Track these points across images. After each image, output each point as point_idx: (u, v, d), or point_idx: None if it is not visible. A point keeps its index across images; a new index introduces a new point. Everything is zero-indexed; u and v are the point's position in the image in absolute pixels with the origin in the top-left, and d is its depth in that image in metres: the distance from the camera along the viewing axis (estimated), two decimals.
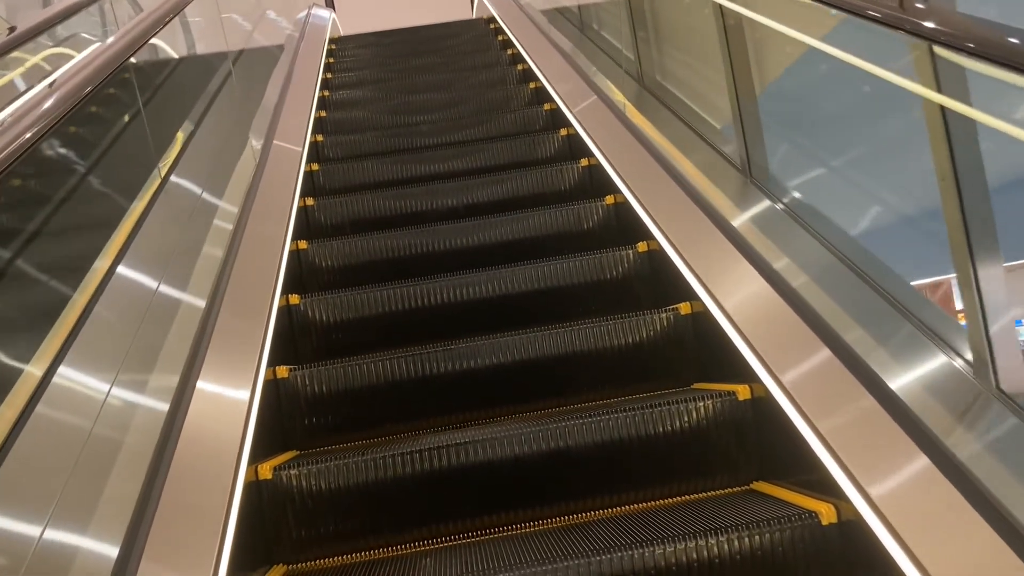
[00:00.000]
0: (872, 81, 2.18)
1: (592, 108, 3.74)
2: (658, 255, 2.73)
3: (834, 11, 2.05)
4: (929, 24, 1.65)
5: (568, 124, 3.92)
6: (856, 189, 2.88)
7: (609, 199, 3.18)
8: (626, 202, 3.05)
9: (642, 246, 2.81)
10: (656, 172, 2.97)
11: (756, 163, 2.71)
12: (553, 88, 4.27)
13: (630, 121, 3.41)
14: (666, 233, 2.66)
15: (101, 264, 2.10)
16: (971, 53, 1.55)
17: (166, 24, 3.01)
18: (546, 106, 4.30)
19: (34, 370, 1.62)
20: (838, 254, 2.15)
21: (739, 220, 2.51)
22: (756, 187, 2.64)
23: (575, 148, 3.81)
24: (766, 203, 2.54)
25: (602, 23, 4.86)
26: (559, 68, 4.43)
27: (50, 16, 2.82)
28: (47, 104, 1.88)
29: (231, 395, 2.07)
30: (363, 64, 6.02)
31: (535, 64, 4.80)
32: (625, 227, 3.09)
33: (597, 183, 3.46)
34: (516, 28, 5.58)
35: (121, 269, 2.11)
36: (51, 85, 2.02)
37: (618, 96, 3.76)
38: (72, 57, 3.17)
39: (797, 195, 2.52)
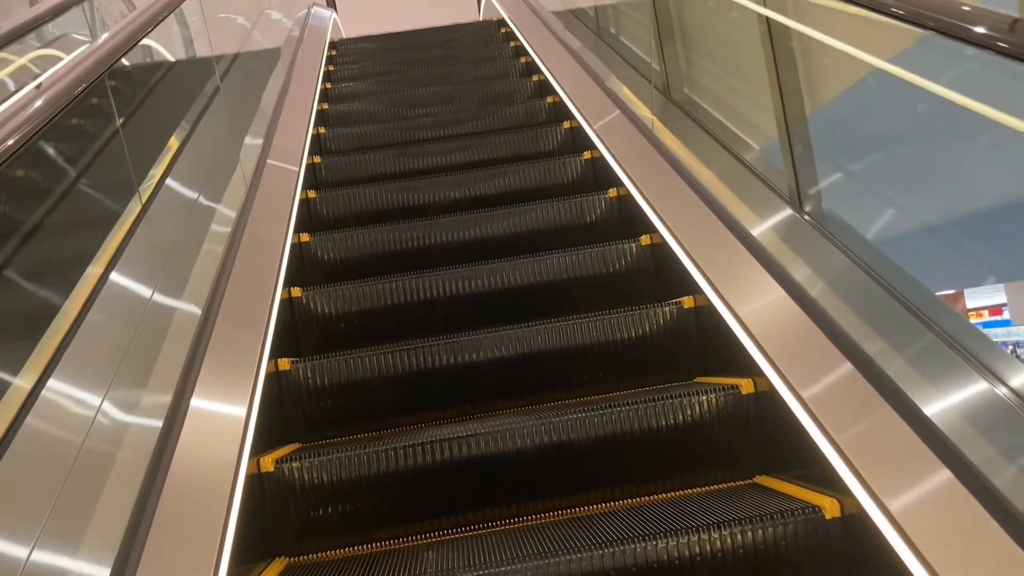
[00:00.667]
0: (959, 112, 1.84)
1: (611, 120, 3.54)
2: (661, 249, 2.72)
3: (918, 30, 1.66)
4: None
5: (571, 117, 3.90)
6: (932, 235, 2.50)
7: (612, 192, 3.18)
8: (629, 195, 3.04)
9: (645, 239, 2.81)
10: (660, 165, 2.96)
11: (807, 194, 2.35)
12: (562, 88, 4.18)
13: (641, 121, 3.30)
14: (669, 227, 2.65)
15: (93, 271, 2.05)
16: None
17: (159, 23, 2.90)
18: (563, 120, 4.12)
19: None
20: (918, 311, 1.82)
21: (791, 260, 2.17)
22: (809, 223, 2.29)
23: (578, 142, 3.80)
24: (822, 242, 2.20)
25: (621, 28, 4.62)
26: (569, 68, 4.29)
27: (38, 15, 2.70)
28: (37, 104, 1.80)
29: (233, 388, 2.07)
30: (365, 58, 5.98)
31: (540, 59, 4.76)
32: (628, 220, 3.08)
33: (600, 176, 3.45)
34: (523, 26, 5.45)
35: (114, 276, 2.06)
36: (38, 87, 1.94)
37: (643, 111, 3.48)
38: (60, 59, 3.09)
39: (858, 233, 2.19)
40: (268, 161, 3.37)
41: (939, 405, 1.58)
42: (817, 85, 2.46)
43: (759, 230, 2.36)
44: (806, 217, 2.31)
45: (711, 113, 3.21)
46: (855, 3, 1.85)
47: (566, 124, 3.89)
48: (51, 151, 2.13)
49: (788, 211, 2.38)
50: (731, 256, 2.31)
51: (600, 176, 3.45)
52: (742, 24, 2.88)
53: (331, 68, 5.62)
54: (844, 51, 2.29)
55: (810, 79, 2.46)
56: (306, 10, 6.52)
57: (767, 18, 2.53)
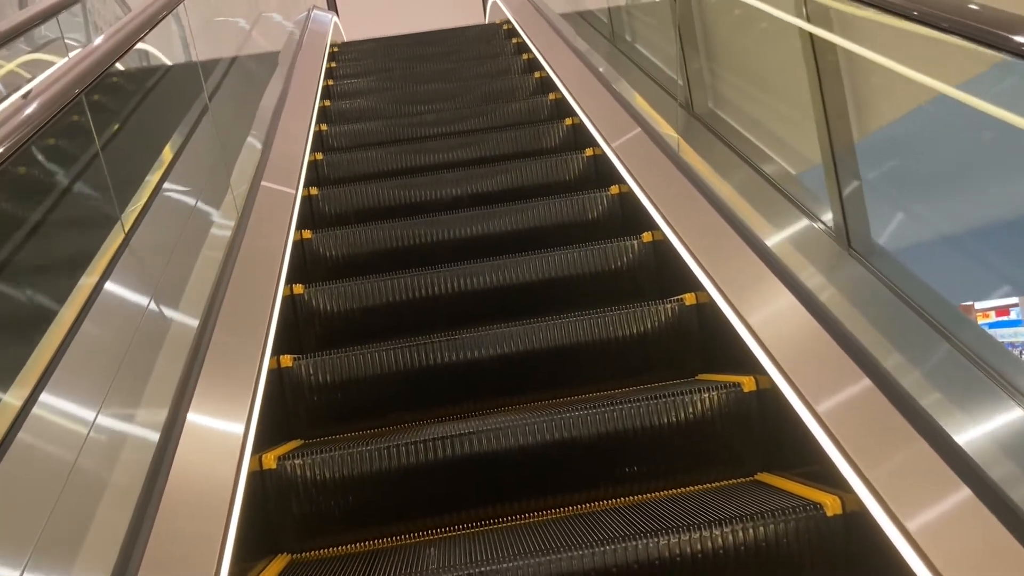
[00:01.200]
0: None
1: (638, 149, 3.22)
2: (663, 245, 2.72)
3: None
4: None
5: (575, 115, 3.88)
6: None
7: (614, 189, 3.18)
8: (631, 192, 3.04)
9: (647, 236, 2.81)
10: (662, 162, 2.95)
11: (856, 230, 2.08)
12: (584, 111, 3.90)
13: (665, 141, 3.07)
14: (671, 223, 2.65)
15: (88, 281, 1.99)
16: None
17: (155, 25, 2.75)
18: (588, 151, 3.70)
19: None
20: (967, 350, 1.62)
21: (845, 309, 1.91)
22: (860, 262, 2.02)
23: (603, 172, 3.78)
24: (877, 286, 1.93)
25: (637, 35, 4.32)
26: (579, 74, 4.12)
27: (27, 18, 2.61)
28: (28, 111, 1.69)
29: (235, 384, 2.07)
30: (366, 56, 5.95)
31: (548, 63, 4.74)
32: (630, 217, 3.08)
33: (602, 173, 3.45)
34: (530, 29, 5.26)
35: (109, 286, 2.01)
36: (25, 96, 1.80)
37: (667, 129, 3.19)
38: (52, 64, 2.95)
39: (912, 272, 1.92)
40: (262, 184, 3.24)
41: (971, 433, 1.52)
42: (868, 109, 2.23)
43: (801, 265, 2.14)
44: (853, 252, 2.07)
45: (741, 133, 2.94)
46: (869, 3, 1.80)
47: (588, 152, 3.59)
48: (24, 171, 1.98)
49: (833, 247, 2.15)
50: (733, 253, 2.31)
51: (603, 173, 3.45)
52: (779, 36, 2.66)
53: (332, 64, 5.59)
54: (894, 70, 2.01)
55: (859, 101, 2.21)
56: (306, 13, 6.38)
57: (811, 34, 2.23)
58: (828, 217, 2.22)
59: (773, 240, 2.29)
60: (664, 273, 2.75)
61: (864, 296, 1.98)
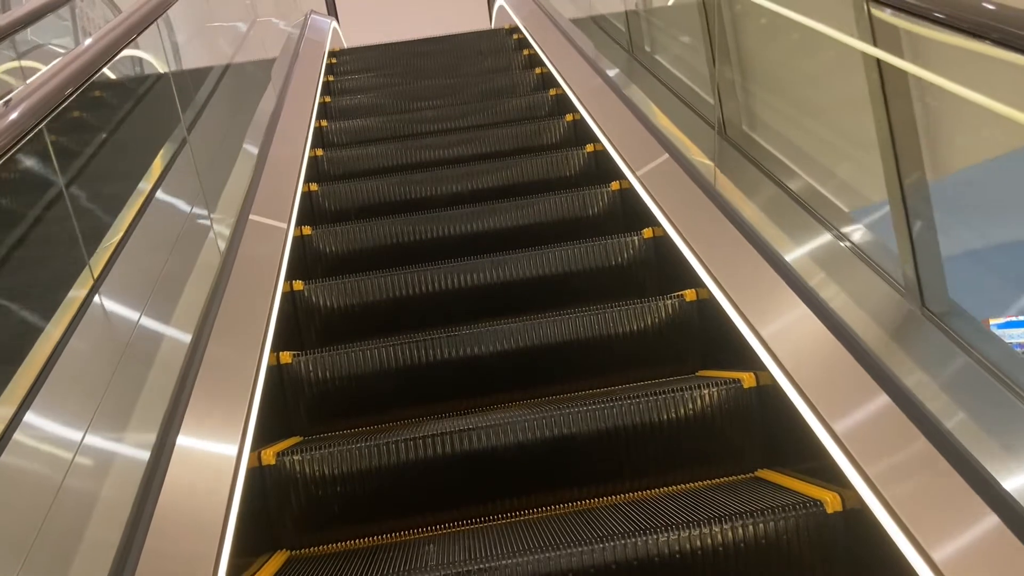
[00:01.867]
0: None
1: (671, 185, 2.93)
2: (664, 242, 2.72)
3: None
4: None
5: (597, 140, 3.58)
6: None
7: (615, 185, 3.17)
8: (632, 188, 3.03)
9: (648, 232, 2.80)
10: (662, 159, 2.95)
11: (930, 285, 1.76)
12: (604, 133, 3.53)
13: (692, 164, 2.83)
14: (672, 220, 2.64)
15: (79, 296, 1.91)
16: None
17: (145, 29, 2.67)
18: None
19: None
20: None
21: (927, 388, 1.61)
22: (937, 325, 1.72)
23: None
24: (962, 357, 1.63)
25: (658, 46, 3.96)
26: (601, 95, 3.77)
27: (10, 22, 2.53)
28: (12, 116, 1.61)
29: (234, 380, 2.07)
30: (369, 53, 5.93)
31: (562, 77, 4.71)
32: (631, 214, 3.08)
33: (603, 169, 3.44)
34: (537, 34, 5.02)
35: (102, 296, 1.96)
36: (6, 104, 1.69)
37: (692, 151, 2.94)
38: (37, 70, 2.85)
39: (998, 337, 1.69)
40: (261, 183, 3.17)
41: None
42: (947, 146, 1.94)
43: (865, 328, 1.84)
44: (927, 312, 1.76)
45: (785, 163, 2.63)
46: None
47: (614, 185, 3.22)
48: None
49: (902, 304, 1.85)
50: (733, 250, 2.31)
51: (604, 169, 3.43)
52: (833, 57, 2.39)
53: (328, 87, 5.38)
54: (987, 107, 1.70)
55: (937, 136, 1.92)
56: (303, 18, 6.18)
57: (877, 60, 1.90)
58: (894, 268, 1.89)
59: (819, 289, 2.01)
60: (665, 269, 2.74)
61: (947, 371, 1.67)
